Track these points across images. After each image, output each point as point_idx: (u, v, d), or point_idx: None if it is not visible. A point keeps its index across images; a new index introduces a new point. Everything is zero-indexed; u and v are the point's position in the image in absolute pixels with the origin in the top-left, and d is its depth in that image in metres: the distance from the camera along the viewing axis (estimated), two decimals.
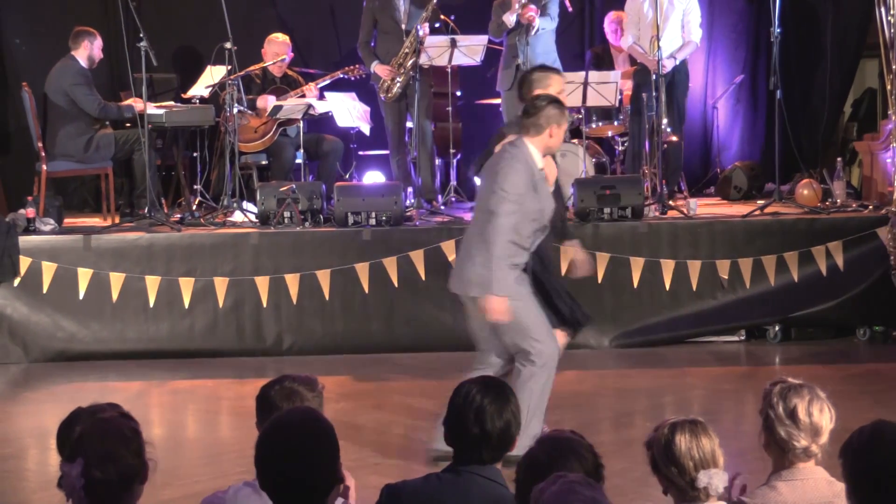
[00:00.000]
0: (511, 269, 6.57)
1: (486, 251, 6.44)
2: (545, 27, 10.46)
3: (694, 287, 9.70)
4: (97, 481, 3.31)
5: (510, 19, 10.35)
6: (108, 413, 3.48)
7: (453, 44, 10.54)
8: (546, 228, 6.71)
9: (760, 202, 10.40)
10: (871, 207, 10.18)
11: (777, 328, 9.82)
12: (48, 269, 9.57)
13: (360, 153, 11.66)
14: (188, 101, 11.07)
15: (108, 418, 3.46)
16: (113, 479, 3.32)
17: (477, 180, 7.14)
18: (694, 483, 3.67)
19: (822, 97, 11.95)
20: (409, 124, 10.97)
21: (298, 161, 10.92)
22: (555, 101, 6.62)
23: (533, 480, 3.27)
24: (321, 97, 11.05)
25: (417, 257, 9.63)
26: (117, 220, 10.38)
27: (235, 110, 10.39)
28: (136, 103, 10.29)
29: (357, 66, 11.08)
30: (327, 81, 11.12)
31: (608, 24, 11.56)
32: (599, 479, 3.54)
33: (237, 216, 10.34)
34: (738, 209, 10.48)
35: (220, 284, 9.62)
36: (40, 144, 10.33)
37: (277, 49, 11.07)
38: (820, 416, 3.89)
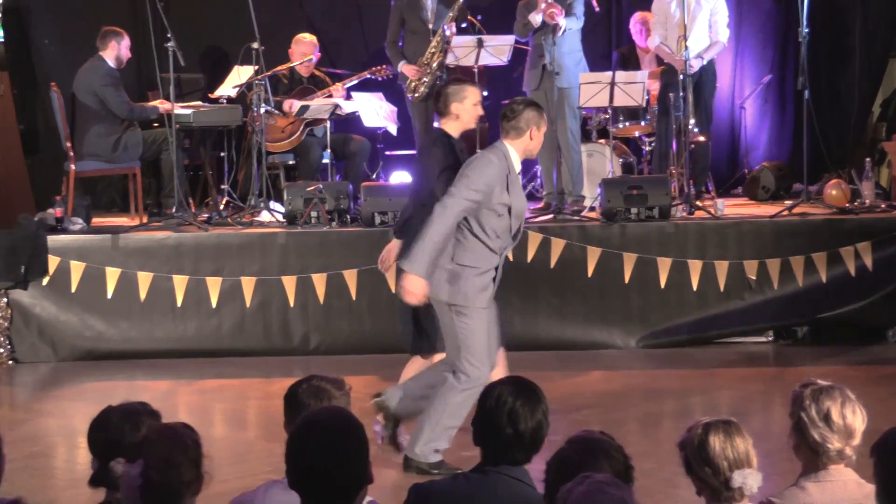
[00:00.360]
0: (479, 277, 6.52)
1: (427, 229, 6.35)
2: (571, 27, 10.43)
3: (721, 288, 9.67)
4: (154, 484, 3.40)
5: (536, 19, 10.33)
6: (174, 423, 3.64)
7: (480, 44, 10.53)
8: (517, 237, 6.65)
9: (788, 202, 10.37)
10: None
11: (805, 329, 9.79)
12: (76, 269, 9.61)
13: (387, 153, 11.67)
14: (215, 101, 11.09)
15: (172, 426, 3.61)
16: (169, 485, 3.42)
17: None
18: (728, 483, 3.66)
19: (851, 97, 11.90)
20: (435, 124, 10.95)
21: (325, 161, 10.93)
22: (533, 104, 6.71)
23: (563, 480, 3.26)
24: (348, 97, 11.06)
25: None
26: (145, 220, 10.41)
27: (262, 110, 10.40)
28: (163, 104, 10.32)
29: (384, 66, 11.08)
30: (354, 81, 11.12)
31: (633, 25, 11.53)
32: (629, 480, 3.53)
33: (264, 216, 10.36)
34: (766, 209, 10.44)
35: (248, 284, 9.64)
36: (69, 144, 10.37)
37: (304, 49, 11.08)
38: (853, 417, 3.87)
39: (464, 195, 6.40)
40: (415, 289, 6.41)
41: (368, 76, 11.12)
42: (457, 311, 6.52)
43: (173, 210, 10.19)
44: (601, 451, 3.55)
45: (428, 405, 6.69)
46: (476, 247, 6.51)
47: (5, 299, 9.60)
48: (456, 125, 7.15)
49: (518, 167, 6.61)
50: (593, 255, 9.69)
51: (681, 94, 10.33)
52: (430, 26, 10.74)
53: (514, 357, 8.01)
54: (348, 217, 10.07)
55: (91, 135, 10.38)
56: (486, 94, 11.29)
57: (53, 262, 9.61)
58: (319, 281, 9.63)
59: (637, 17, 11.50)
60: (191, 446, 3.52)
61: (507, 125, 6.63)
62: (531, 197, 10.52)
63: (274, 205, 10.48)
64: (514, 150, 6.59)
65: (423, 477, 6.33)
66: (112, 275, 9.62)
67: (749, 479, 3.65)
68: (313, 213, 9.95)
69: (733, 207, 10.69)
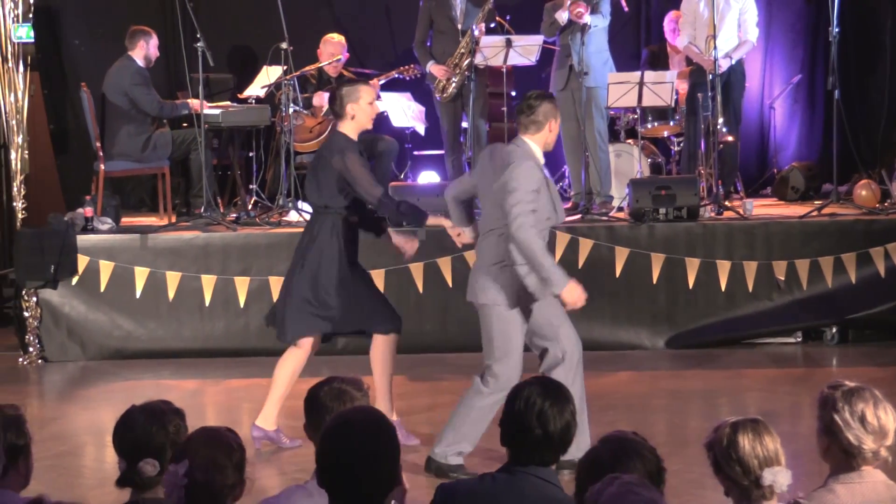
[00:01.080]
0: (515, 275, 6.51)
1: (529, 253, 6.35)
2: (597, 24, 10.41)
3: (750, 288, 9.64)
4: (199, 485, 3.43)
5: (562, 16, 10.32)
6: (218, 427, 3.65)
7: (508, 44, 10.52)
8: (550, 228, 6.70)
9: (818, 203, 10.33)
10: None
11: (834, 330, 9.75)
12: (105, 268, 9.65)
13: (415, 153, 11.67)
14: (244, 101, 11.12)
15: (217, 428, 3.63)
16: (213, 487, 3.45)
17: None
18: (759, 482, 3.65)
19: (881, 97, 11.84)
20: (464, 124, 10.97)
21: None
22: (548, 97, 6.77)
23: (595, 480, 3.26)
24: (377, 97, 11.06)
25: (472, 257, 9.59)
26: (174, 220, 10.44)
27: (291, 110, 10.42)
28: (194, 102, 10.35)
29: (412, 65, 11.09)
30: (383, 81, 11.13)
31: (667, 24, 11.50)
32: (661, 482, 3.53)
33: (292, 216, 10.38)
34: (795, 210, 10.40)
35: (276, 284, 9.62)
36: (98, 144, 10.41)
37: (333, 49, 11.10)
38: (886, 417, 3.85)
39: (526, 209, 6.36)
40: (575, 294, 6.42)
41: (396, 76, 11.13)
42: (498, 312, 6.55)
43: (202, 210, 10.23)
44: (634, 452, 3.55)
45: (455, 408, 6.73)
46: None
47: (35, 298, 9.65)
48: (353, 125, 7.21)
49: (542, 160, 6.62)
50: (621, 255, 9.68)
51: (709, 93, 10.29)
52: (459, 26, 10.74)
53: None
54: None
55: (121, 135, 10.42)
56: (514, 94, 11.35)
57: (83, 261, 9.66)
58: None
59: (671, 15, 11.46)
60: (236, 450, 3.55)
61: (526, 120, 6.61)
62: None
63: (302, 205, 10.48)
64: (536, 144, 6.60)
65: (442, 478, 6.34)
66: (141, 274, 9.66)
67: (779, 477, 3.64)
68: None
69: (762, 208, 10.66)
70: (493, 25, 10.86)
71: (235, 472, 3.51)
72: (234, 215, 10.51)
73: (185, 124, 10.77)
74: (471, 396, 6.65)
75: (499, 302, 6.54)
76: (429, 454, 6.71)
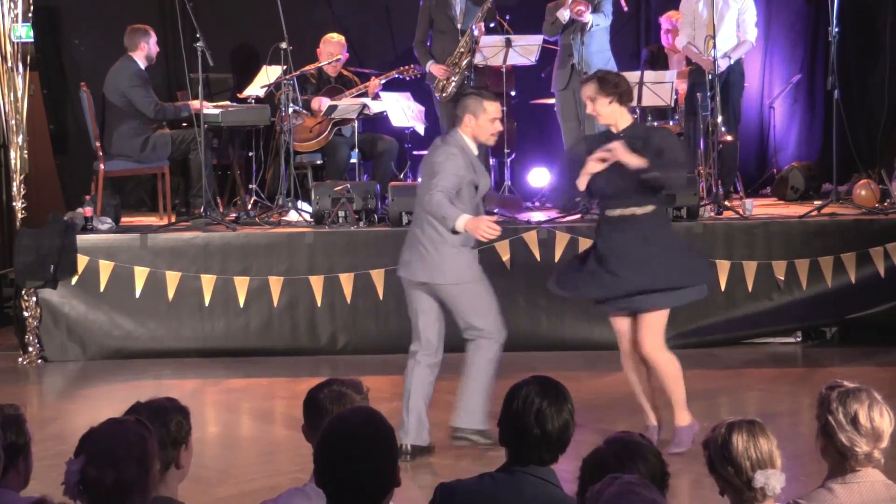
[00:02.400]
0: (462, 250, 7.07)
1: (436, 210, 6.90)
2: (599, 24, 10.42)
3: (750, 288, 9.64)
4: (92, 480, 3.30)
5: (563, 14, 10.33)
6: (125, 418, 3.51)
7: (508, 43, 10.52)
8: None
9: (817, 203, 10.33)
10: None
11: (834, 330, 9.75)
12: (105, 268, 9.65)
13: (415, 153, 11.66)
14: (244, 100, 11.12)
15: (121, 420, 3.48)
16: (106, 481, 3.30)
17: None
18: (751, 483, 3.64)
19: (881, 97, 11.84)
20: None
21: (353, 161, 10.95)
22: (471, 93, 7.33)
23: (598, 480, 3.26)
24: (376, 96, 11.07)
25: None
26: (173, 220, 10.45)
27: (291, 110, 10.43)
28: (194, 103, 10.35)
29: (412, 65, 11.09)
30: (383, 81, 11.13)
31: (663, 25, 11.50)
32: (664, 485, 3.53)
33: (292, 216, 10.38)
34: (795, 210, 10.39)
35: (275, 283, 9.66)
36: (98, 144, 10.41)
37: (332, 49, 11.10)
38: (881, 420, 3.85)
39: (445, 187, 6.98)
40: (475, 224, 6.84)
41: (396, 76, 11.13)
42: (455, 288, 7.14)
43: (201, 210, 10.23)
44: (637, 454, 3.55)
45: (466, 377, 7.19)
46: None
47: (35, 298, 9.65)
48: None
49: (474, 150, 7.17)
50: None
51: (708, 93, 10.29)
52: (459, 26, 10.74)
53: (540, 357, 8.03)
54: (376, 217, 10.09)
55: (120, 135, 10.42)
56: (513, 94, 11.36)
57: (82, 261, 9.66)
58: (347, 281, 9.64)
59: (665, 17, 11.46)
60: (135, 443, 3.37)
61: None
62: None
63: (302, 204, 10.51)
64: (465, 135, 7.14)
65: (472, 447, 7.05)
66: (140, 274, 9.66)
67: (772, 480, 3.63)
68: (341, 213, 9.96)
69: (762, 208, 10.66)
70: (492, 25, 10.86)
71: (136, 466, 3.33)
72: (234, 215, 10.51)
73: (184, 124, 10.77)
74: (483, 356, 7.17)
75: (459, 280, 7.12)
76: (454, 426, 7.17)
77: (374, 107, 10.93)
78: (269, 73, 10.96)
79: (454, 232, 6.90)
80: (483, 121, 7.10)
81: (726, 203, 10.31)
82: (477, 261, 7.25)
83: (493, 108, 7.11)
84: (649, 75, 10.39)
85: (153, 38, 10.56)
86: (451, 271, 7.13)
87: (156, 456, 3.45)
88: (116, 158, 10.43)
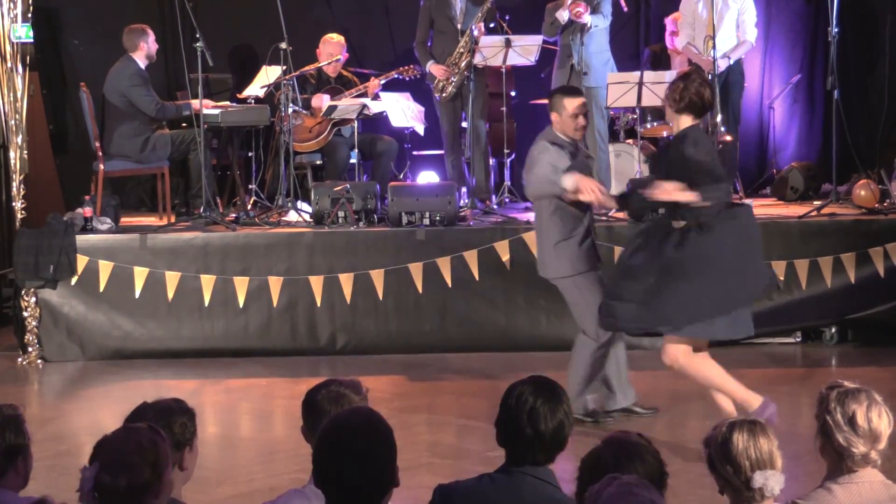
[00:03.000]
0: (566, 244, 7.43)
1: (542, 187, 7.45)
2: (598, 24, 10.42)
3: None
4: (106, 487, 3.31)
5: (562, 15, 10.33)
6: (139, 424, 3.51)
7: (508, 44, 10.52)
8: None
9: (817, 203, 10.32)
10: None
11: (833, 330, 9.75)
12: (105, 268, 9.65)
13: (415, 153, 11.68)
14: (243, 101, 11.12)
15: (134, 427, 3.48)
16: (120, 487, 3.31)
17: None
18: (749, 483, 3.64)
19: (880, 97, 11.84)
20: (463, 124, 10.97)
21: (353, 161, 10.95)
22: (555, 92, 7.79)
23: (596, 480, 3.26)
24: (376, 97, 11.07)
25: (471, 257, 9.63)
26: (173, 220, 10.45)
27: (290, 110, 10.43)
28: (195, 103, 10.35)
29: (411, 66, 11.09)
30: (382, 81, 11.13)
31: (668, 27, 11.49)
32: (663, 486, 3.53)
33: (292, 216, 10.38)
34: (795, 210, 10.39)
35: (275, 284, 9.66)
36: (98, 144, 10.41)
37: (332, 49, 11.10)
38: (879, 421, 3.85)
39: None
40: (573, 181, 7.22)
41: (396, 76, 11.13)
42: (558, 282, 7.55)
43: (201, 210, 10.23)
44: (636, 454, 3.55)
45: (568, 367, 7.57)
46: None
47: (34, 298, 9.65)
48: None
49: (565, 140, 7.55)
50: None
51: None
52: (459, 26, 10.74)
53: (542, 357, 8.04)
54: (375, 217, 10.09)
55: (120, 135, 10.42)
56: (513, 94, 11.36)
57: (82, 261, 9.66)
58: (346, 281, 9.64)
59: (669, 18, 11.47)
60: (149, 449, 3.38)
61: None
62: None
63: (301, 205, 10.51)
64: (555, 130, 7.57)
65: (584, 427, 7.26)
66: (140, 274, 9.66)
67: (770, 481, 3.63)
68: (340, 213, 9.97)
69: (762, 208, 10.65)
70: (492, 25, 10.86)
71: (150, 471, 3.35)
72: (234, 215, 10.51)
73: (184, 124, 10.77)
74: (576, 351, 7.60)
75: (559, 274, 7.52)
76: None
77: (374, 107, 10.93)
78: (268, 74, 10.96)
79: (564, 198, 7.27)
80: (566, 117, 7.43)
81: None
82: (587, 254, 7.49)
83: (572, 105, 7.44)
84: (649, 75, 10.39)
85: (152, 37, 10.56)
86: (553, 266, 7.49)
87: (169, 461, 3.47)
88: (116, 159, 10.42)
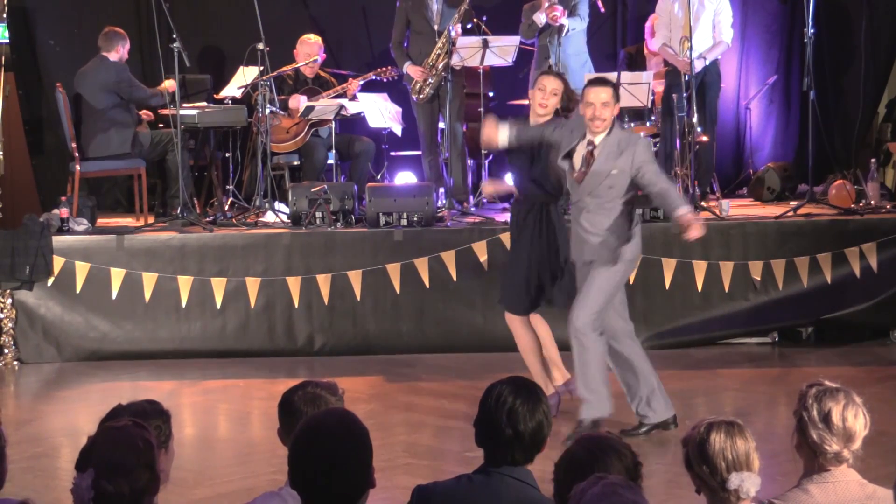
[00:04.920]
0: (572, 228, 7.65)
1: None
2: (575, 27, 10.44)
3: (726, 288, 9.67)
4: (107, 494, 3.22)
5: (539, 18, 10.35)
6: (122, 422, 3.43)
7: (485, 44, 10.53)
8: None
9: (793, 203, 10.36)
10: None
11: (810, 330, 9.79)
12: (81, 269, 9.62)
13: (392, 154, 11.67)
14: (221, 101, 11.11)
15: (121, 427, 3.38)
16: (124, 493, 3.24)
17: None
18: (725, 484, 3.65)
19: (856, 98, 11.89)
20: (441, 125, 10.97)
21: (330, 161, 10.94)
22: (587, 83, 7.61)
23: (572, 479, 3.27)
24: (354, 97, 11.06)
25: (449, 258, 9.64)
26: (150, 221, 10.42)
27: (267, 111, 10.41)
28: (168, 81, 10.33)
29: (389, 67, 11.09)
30: (360, 83, 11.12)
31: (648, 28, 11.50)
32: (637, 477, 3.55)
33: (269, 216, 10.37)
34: (771, 210, 10.43)
35: (252, 285, 9.65)
36: (74, 145, 10.38)
37: (309, 50, 11.09)
38: (854, 421, 3.86)
39: None
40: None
41: (373, 77, 11.13)
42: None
43: (178, 211, 10.20)
44: (610, 449, 3.57)
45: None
46: None
47: (10, 300, 9.61)
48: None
49: (586, 134, 7.52)
50: None
51: (684, 94, 10.31)
52: (436, 27, 10.74)
53: (519, 358, 8.02)
54: (353, 218, 10.08)
55: (96, 135, 10.38)
56: (491, 94, 11.36)
57: (58, 262, 9.62)
58: (324, 282, 9.64)
59: (650, 21, 11.48)
60: (143, 448, 3.30)
61: None
62: None
63: (279, 205, 10.49)
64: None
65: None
66: (117, 275, 9.64)
67: (746, 483, 3.64)
68: (318, 214, 9.96)
69: (738, 208, 10.68)
70: (469, 26, 10.87)
71: (146, 472, 3.28)
72: (211, 216, 10.48)
73: (161, 125, 10.74)
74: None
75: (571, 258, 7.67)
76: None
77: (352, 108, 10.92)
78: (245, 74, 10.94)
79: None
80: (583, 108, 7.42)
81: (703, 204, 10.33)
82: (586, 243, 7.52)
83: (588, 95, 7.35)
84: (626, 76, 10.40)
85: (128, 45, 10.55)
86: (629, 247, 7.56)
87: (158, 452, 3.40)
88: (92, 159, 10.39)
